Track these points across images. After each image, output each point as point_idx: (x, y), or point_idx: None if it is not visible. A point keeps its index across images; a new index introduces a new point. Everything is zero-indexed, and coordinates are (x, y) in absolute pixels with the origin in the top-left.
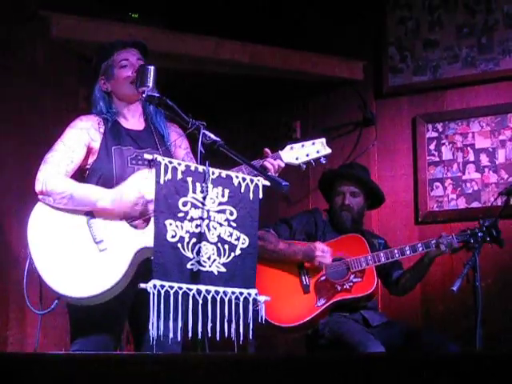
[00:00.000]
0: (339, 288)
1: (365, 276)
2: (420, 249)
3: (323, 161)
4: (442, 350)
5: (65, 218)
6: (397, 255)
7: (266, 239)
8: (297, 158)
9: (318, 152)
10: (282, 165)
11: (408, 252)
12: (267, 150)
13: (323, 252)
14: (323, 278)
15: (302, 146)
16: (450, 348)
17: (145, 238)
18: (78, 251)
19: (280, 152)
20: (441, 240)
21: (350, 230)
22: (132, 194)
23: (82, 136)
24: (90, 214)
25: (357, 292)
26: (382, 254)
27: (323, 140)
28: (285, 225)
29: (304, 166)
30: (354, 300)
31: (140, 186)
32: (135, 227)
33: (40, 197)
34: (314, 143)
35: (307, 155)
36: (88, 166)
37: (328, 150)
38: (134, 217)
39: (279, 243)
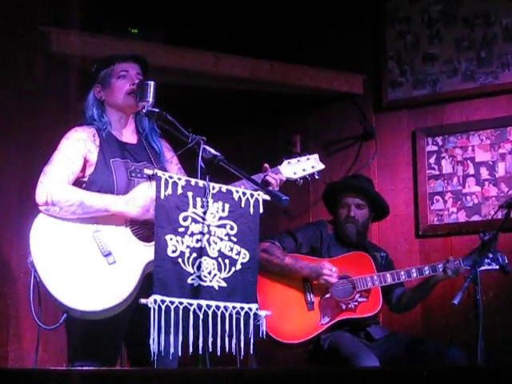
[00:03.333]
0: (344, 307)
1: (370, 296)
2: (427, 272)
3: (317, 176)
4: (444, 355)
5: (68, 229)
6: (403, 277)
7: (272, 253)
8: (295, 173)
9: (313, 167)
10: (284, 179)
11: (414, 275)
12: (266, 165)
13: (330, 271)
14: (328, 295)
15: (298, 161)
16: (452, 352)
17: (152, 251)
18: (86, 264)
19: (279, 167)
20: (448, 265)
21: (354, 243)
22: (144, 198)
23: (79, 147)
24: (95, 225)
25: (361, 312)
26: (388, 275)
27: (316, 156)
28: (290, 238)
29: (301, 181)
30: (358, 320)
31: (150, 192)
32: (141, 240)
33: (43, 208)
34: (308, 158)
35: (304, 170)
36: (85, 179)
37: (322, 166)
38: (142, 224)
39: (285, 258)
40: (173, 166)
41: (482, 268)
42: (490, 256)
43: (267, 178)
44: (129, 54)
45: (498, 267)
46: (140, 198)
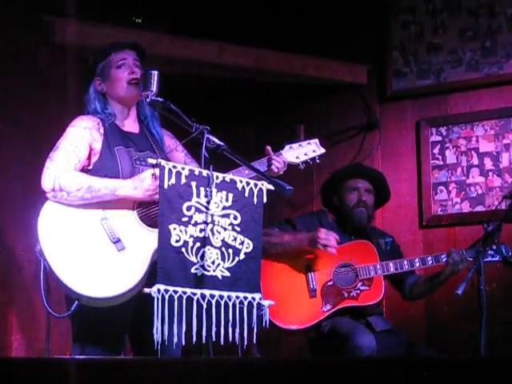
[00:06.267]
0: (346, 295)
1: (372, 285)
2: (429, 262)
3: (318, 160)
4: None
5: (77, 216)
6: (406, 267)
7: (270, 234)
8: (297, 157)
9: (314, 151)
10: (287, 161)
11: (417, 264)
12: (269, 148)
13: (326, 235)
14: (330, 283)
15: (300, 145)
16: None
17: None
18: (96, 251)
19: (281, 151)
20: (451, 256)
21: (364, 228)
22: (150, 181)
23: (85, 135)
24: (103, 211)
25: (363, 300)
26: (391, 264)
27: (317, 140)
28: (288, 225)
29: (303, 166)
30: (360, 308)
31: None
32: (149, 225)
33: (51, 194)
34: (309, 143)
35: (305, 154)
36: (90, 167)
37: (322, 150)
38: (150, 208)
39: (284, 235)
40: (179, 153)
41: (486, 260)
42: (494, 248)
43: (272, 161)
44: (123, 43)
45: (500, 259)
46: (147, 179)
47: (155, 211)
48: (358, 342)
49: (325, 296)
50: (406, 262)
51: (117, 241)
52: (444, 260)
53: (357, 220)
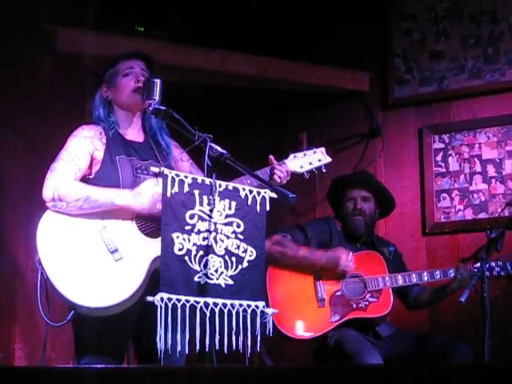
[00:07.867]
0: (354, 306)
1: (381, 297)
2: (438, 276)
3: (324, 169)
4: (453, 352)
5: (75, 226)
6: (414, 280)
7: (285, 245)
8: (301, 167)
9: (319, 160)
10: (290, 170)
11: (425, 278)
12: (272, 157)
13: (347, 261)
14: (339, 293)
15: (304, 154)
16: (461, 350)
17: (159, 246)
18: (93, 261)
19: (285, 161)
20: (460, 271)
21: (363, 236)
22: (150, 193)
23: (86, 145)
24: (101, 221)
25: (371, 312)
26: (399, 277)
27: (323, 149)
28: (300, 231)
29: (308, 175)
30: (367, 320)
31: (157, 188)
32: (148, 235)
33: (50, 204)
34: (315, 152)
35: (310, 163)
36: (91, 176)
37: (328, 159)
38: (150, 217)
39: (300, 249)
40: (184, 163)
41: (492, 274)
42: (500, 264)
43: (274, 171)
44: (132, 52)
45: (504, 274)
46: (146, 192)
47: (155, 220)
48: (367, 362)
49: (333, 306)
50: (414, 276)
51: (114, 251)
52: (452, 275)
53: (353, 228)
